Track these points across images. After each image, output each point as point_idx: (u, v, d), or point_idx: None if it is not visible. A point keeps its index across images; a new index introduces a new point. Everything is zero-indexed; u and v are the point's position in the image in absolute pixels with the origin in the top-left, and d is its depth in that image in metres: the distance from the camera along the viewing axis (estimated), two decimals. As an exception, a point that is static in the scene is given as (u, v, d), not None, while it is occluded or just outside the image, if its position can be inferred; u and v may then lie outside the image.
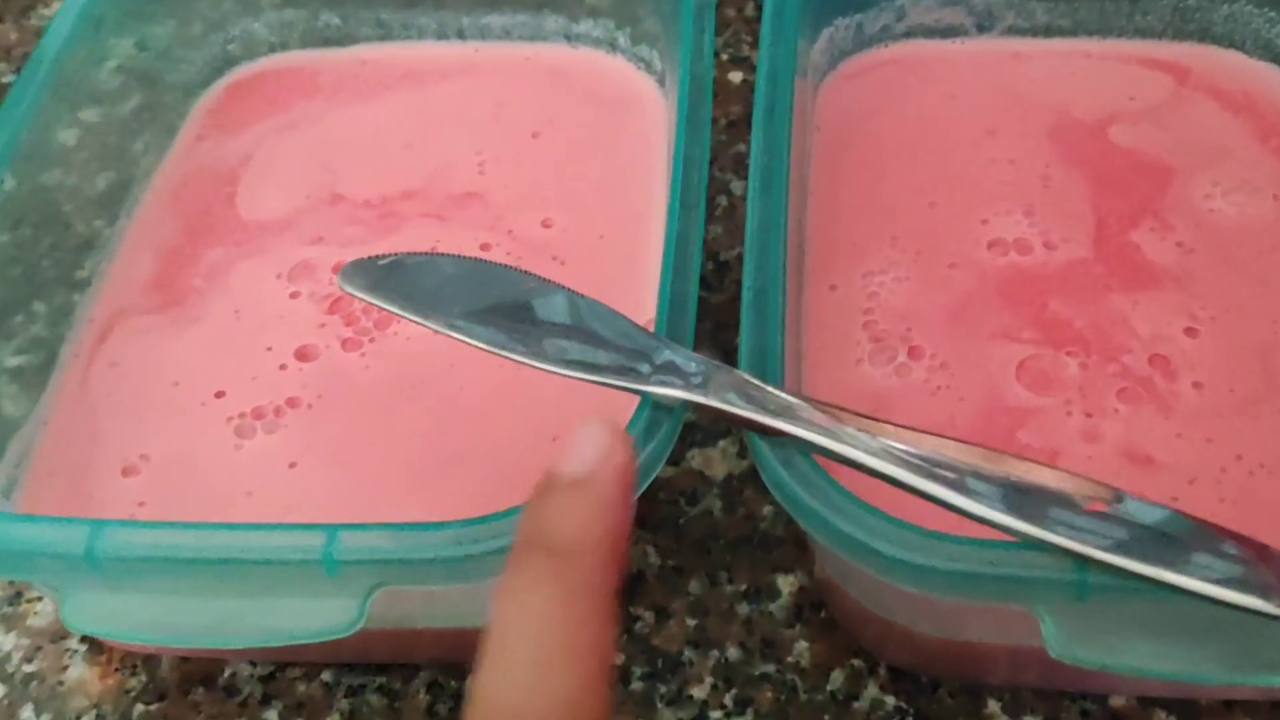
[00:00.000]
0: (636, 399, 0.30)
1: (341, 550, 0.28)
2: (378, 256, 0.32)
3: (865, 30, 0.44)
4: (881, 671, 0.35)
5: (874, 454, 0.27)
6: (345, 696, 0.36)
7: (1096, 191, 0.40)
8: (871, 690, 0.35)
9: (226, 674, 0.37)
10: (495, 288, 0.32)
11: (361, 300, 0.31)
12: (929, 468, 0.26)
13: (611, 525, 0.23)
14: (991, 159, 0.41)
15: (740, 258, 0.33)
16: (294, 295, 0.39)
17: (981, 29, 0.45)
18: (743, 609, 0.37)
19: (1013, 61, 0.44)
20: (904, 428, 0.27)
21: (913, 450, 0.27)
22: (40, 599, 0.39)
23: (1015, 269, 0.38)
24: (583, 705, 0.21)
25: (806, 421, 0.28)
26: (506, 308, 0.31)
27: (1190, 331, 0.36)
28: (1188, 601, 0.25)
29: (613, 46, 0.46)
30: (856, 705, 0.35)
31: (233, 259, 0.40)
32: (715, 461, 0.40)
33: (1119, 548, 0.25)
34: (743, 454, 0.40)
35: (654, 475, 0.30)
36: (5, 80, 0.55)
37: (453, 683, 0.36)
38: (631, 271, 0.39)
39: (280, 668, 0.37)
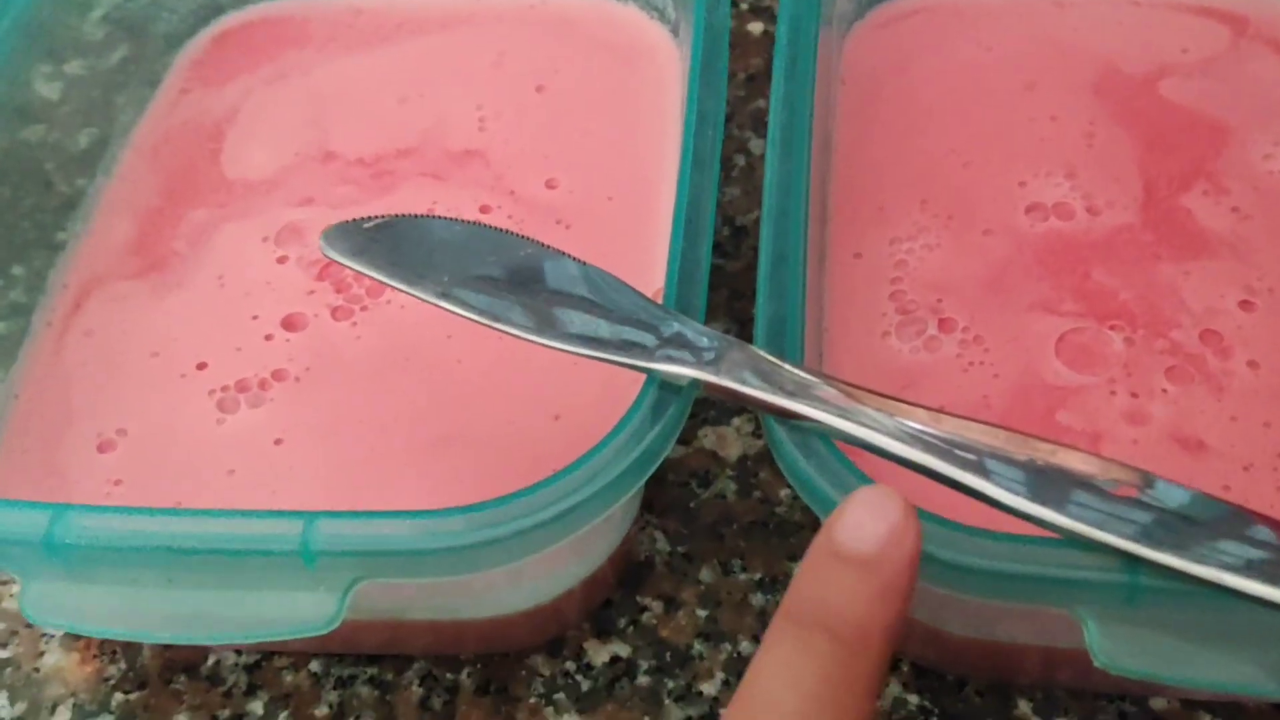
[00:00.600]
0: (643, 375, 0.28)
1: (320, 540, 0.26)
2: (364, 219, 0.30)
3: (895, -24, 0.42)
4: (904, 668, 0.33)
5: (892, 436, 0.25)
6: (334, 688, 0.34)
7: (1144, 151, 0.37)
8: (893, 688, 0.33)
9: (210, 662, 0.35)
10: (491, 254, 0.30)
11: (345, 267, 0.29)
12: (949, 450, 0.25)
13: (896, 616, 0.22)
14: (1030, 116, 0.38)
15: (758, 222, 0.31)
16: (281, 260, 0.37)
17: (1021, -26, 0.42)
18: (757, 599, 0.35)
19: (1054, 10, 0.41)
20: (926, 409, 0.26)
21: (933, 432, 0.25)
22: (15, 582, 0.37)
23: (1055, 235, 0.35)
24: None
25: (823, 402, 0.26)
26: (503, 276, 0.29)
27: (1246, 305, 0.34)
28: (1236, 601, 0.23)
29: (623, -8, 0.43)
30: (877, 705, 0.33)
31: (216, 221, 0.38)
32: (729, 441, 0.38)
33: (1146, 535, 0.23)
34: (758, 433, 0.38)
35: (661, 459, 0.28)
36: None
37: (447, 675, 0.34)
38: (641, 237, 0.36)
39: (266, 657, 0.35)
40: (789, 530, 0.36)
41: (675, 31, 0.41)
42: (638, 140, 0.39)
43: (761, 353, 0.27)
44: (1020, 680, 0.33)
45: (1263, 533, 0.23)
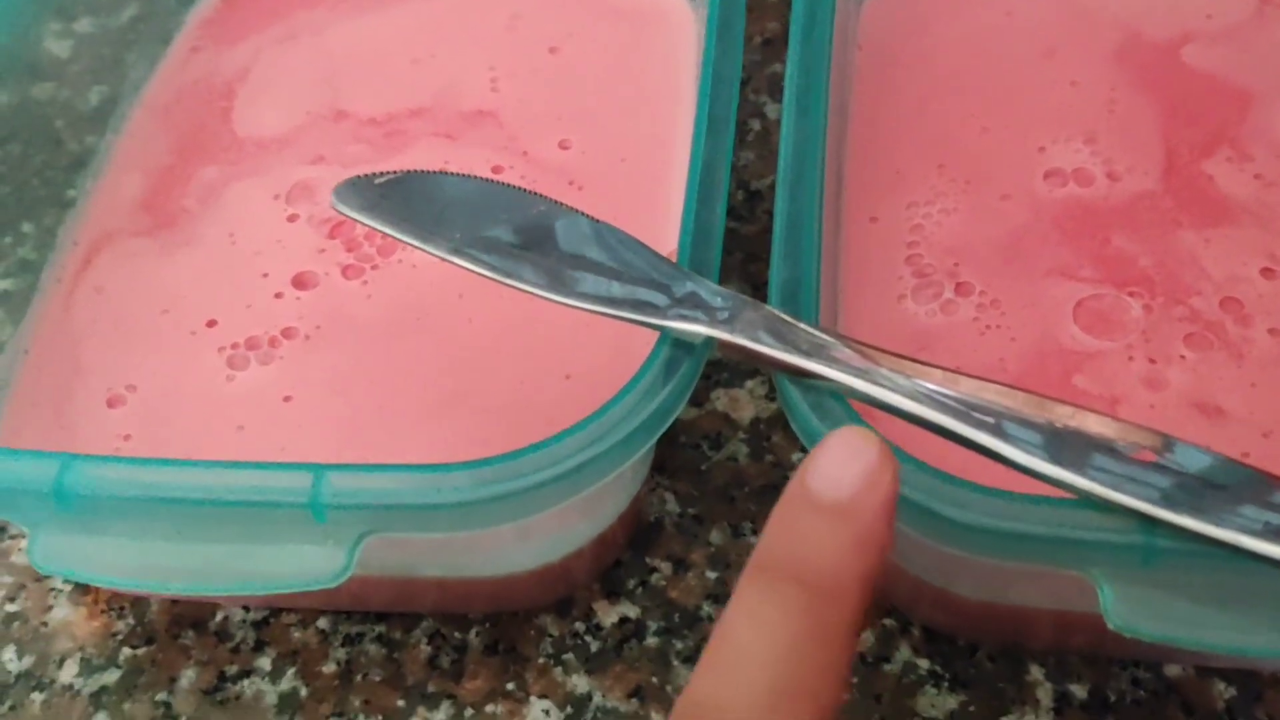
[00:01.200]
0: (658, 335, 0.28)
1: (330, 493, 0.26)
2: (376, 174, 0.30)
3: (915, -62, 0.41)
4: (915, 632, 0.33)
5: (912, 397, 0.25)
6: (342, 645, 0.34)
7: (1166, 117, 0.37)
8: (904, 652, 0.33)
9: (218, 618, 0.35)
10: (504, 210, 0.29)
11: (356, 222, 0.29)
12: (966, 411, 0.24)
13: (871, 565, 0.21)
14: (1050, 81, 0.38)
15: (773, 187, 0.31)
16: (292, 218, 0.37)
17: (1043, -63, 0.41)
18: (767, 563, 0.34)
19: (1076, -26, 0.41)
20: (943, 369, 0.25)
21: (949, 393, 0.25)
22: (24, 536, 0.37)
23: (1074, 201, 0.35)
24: None
25: (839, 362, 0.26)
26: (516, 233, 0.29)
27: (1267, 273, 0.33)
28: (1253, 563, 0.22)
29: (640, -47, 0.42)
30: (887, 668, 0.32)
31: (227, 178, 0.38)
32: (741, 403, 0.37)
33: (1165, 499, 0.23)
34: (771, 396, 0.37)
35: (673, 418, 0.28)
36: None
37: (455, 634, 0.34)
38: (654, 198, 0.36)
39: (274, 613, 0.35)
40: (800, 495, 0.35)
41: (691, -7, 0.41)
42: (651, 102, 0.39)
43: (776, 311, 0.27)
44: (1033, 645, 0.33)
45: None
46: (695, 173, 0.31)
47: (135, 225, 0.37)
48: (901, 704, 0.32)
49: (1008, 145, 0.37)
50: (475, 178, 0.30)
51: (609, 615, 0.34)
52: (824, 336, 0.26)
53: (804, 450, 0.36)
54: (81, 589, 0.36)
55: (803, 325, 0.27)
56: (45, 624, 0.35)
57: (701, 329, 0.27)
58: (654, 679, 0.33)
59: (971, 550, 0.25)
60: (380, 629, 0.34)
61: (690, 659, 0.33)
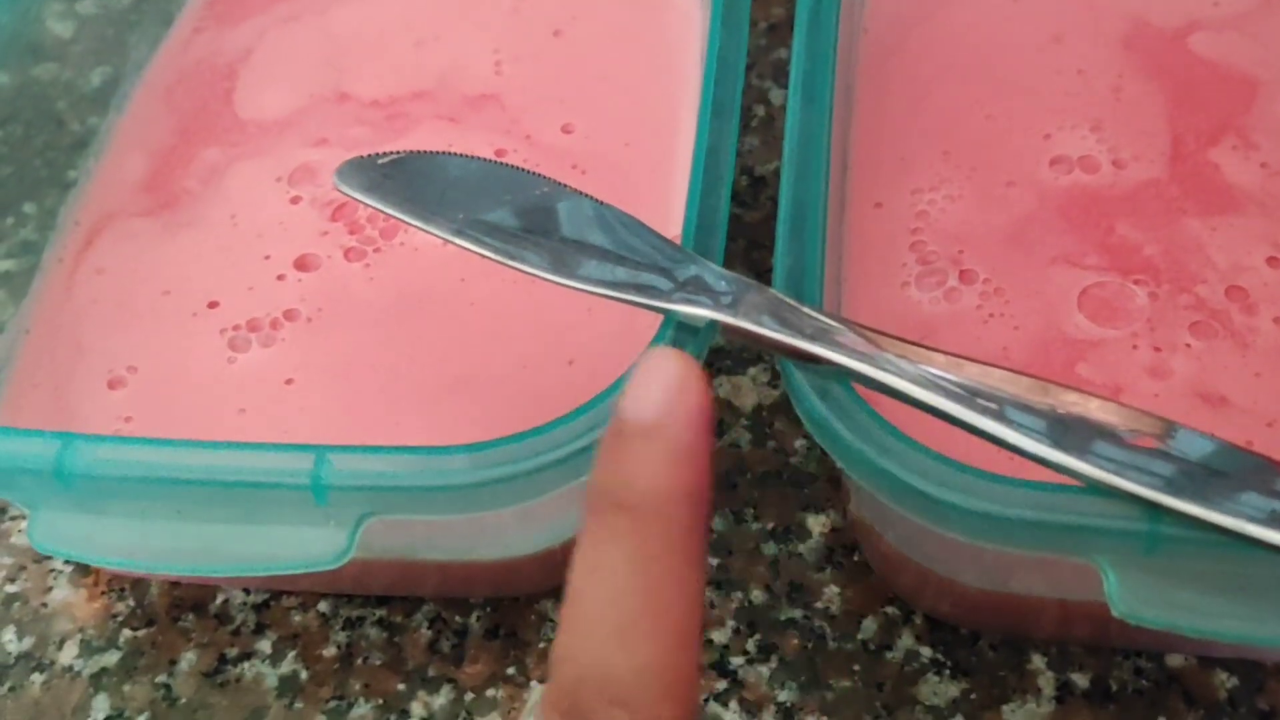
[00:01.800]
0: (660, 318, 0.27)
1: (331, 474, 0.26)
2: (379, 154, 0.30)
3: (921, -78, 0.41)
4: (917, 620, 0.33)
5: (916, 382, 0.25)
6: (343, 628, 0.34)
7: (1173, 105, 0.36)
8: (906, 640, 0.33)
9: (219, 600, 0.35)
10: (507, 192, 0.29)
11: (359, 202, 0.29)
12: (969, 396, 0.24)
13: (691, 475, 0.20)
14: (1057, 68, 0.38)
15: (777, 172, 0.31)
16: (294, 200, 0.36)
17: (1050, -77, 0.41)
18: (769, 549, 0.34)
19: (1084, -38, 0.40)
20: (947, 354, 0.25)
21: (953, 378, 0.25)
22: (24, 517, 0.37)
23: (1080, 189, 0.35)
24: (670, 667, 0.19)
25: (843, 346, 0.25)
26: (519, 214, 0.29)
27: (1273, 262, 0.33)
28: (1256, 550, 0.22)
29: (645, -64, 0.42)
30: (889, 656, 0.32)
31: (229, 160, 0.38)
32: (744, 390, 0.37)
33: (1168, 485, 0.23)
34: (774, 383, 0.37)
35: (675, 403, 0.27)
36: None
37: (456, 618, 0.34)
38: (658, 184, 0.36)
39: (275, 596, 0.35)
40: (803, 481, 0.35)
41: (696, -23, 0.41)
42: (656, 86, 0.38)
43: (780, 295, 0.27)
44: (1035, 635, 0.33)
45: None
46: (699, 158, 0.31)
47: (137, 206, 0.37)
48: (903, 692, 0.32)
49: (1013, 132, 0.36)
50: (478, 159, 0.30)
51: (610, 600, 0.34)
52: (828, 320, 0.26)
53: (806, 437, 0.36)
54: (82, 570, 0.36)
55: (807, 309, 0.26)
56: (45, 605, 0.35)
57: (705, 312, 0.27)
58: (654, 664, 0.33)
59: (975, 537, 0.25)
60: (381, 613, 0.34)
61: (691, 645, 0.33)
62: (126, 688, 0.33)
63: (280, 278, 0.35)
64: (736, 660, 0.33)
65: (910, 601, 0.33)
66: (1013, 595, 0.31)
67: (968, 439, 0.24)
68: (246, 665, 0.33)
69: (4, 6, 0.37)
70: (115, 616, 0.35)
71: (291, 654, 0.33)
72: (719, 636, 0.33)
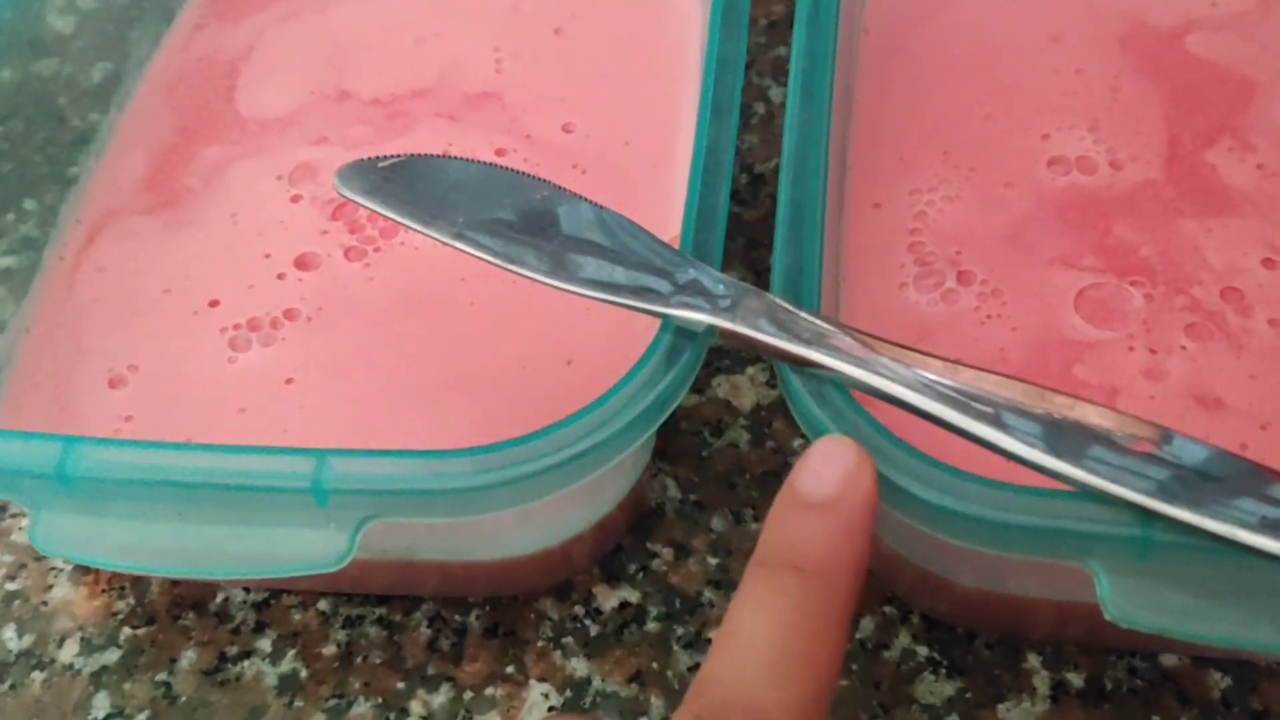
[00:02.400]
0: (659, 321, 0.28)
1: (332, 477, 0.26)
2: (379, 157, 0.30)
3: (921, -77, 0.41)
4: (914, 620, 0.33)
5: (911, 388, 0.25)
6: (342, 627, 0.34)
7: (1170, 106, 0.36)
8: (903, 639, 0.33)
9: (219, 599, 0.35)
10: (507, 195, 0.29)
11: (360, 205, 0.29)
12: (965, 402, 0.25)
13: (857, 551, 0.23)
14: (1055, 69, 0.38)
15: (777, 171, 0.31)
16: (295, 199, 0.36)
17: (1049, -76, 0.41)
18: (767, 549, 0.34)
19: (1083, -38, 0.40)
20: (942, 359, 0.25)
21: (949, 383, 0.25)
22: (25, 515, 0.37)
23: (1077, 190, 0.35)
24: (811, 711, 0.22)
25: (839, 351, 0.26)
26: (518, 218, 0.29)
27: (1268, 263, 0.33)
28: (1248, 557, 0.22)
29: (645, -64, 0.42)
30: (887, 655, 0.33)
31: (230, 158, 0.38)
32: (743, 390, 0.37)
33: (1161, 490, 0.23)
34: (772, 383, 0.37)
35: (674, 407, 0.28)
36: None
37: (456, 617, 0.34)
38: (657, 183, 0.36)
39: (275, 595, 0.35)
40: (800, 481, 0.36)
41: (696, -25, 0.41)
42: (656, 85, 0.39)
43: (778, 300, 0.27)
44: (1031, 634, 0.33)
45: None
46: (699, 157, 0.31)
47: (138, 204, 0.37)
48: (900, 690, 0.32)
49: (1012, 133, 0.36)
50: (478, 162, 0.30)
51: (609, 600, 0.34)
52: (825, 325, 0.26)
53: (804, 437, 0.36)
54: (82, 569, 0.36)
55: (804, 314, 0.26)
56: (45, 603, 0.35)
57: (703, 317, 0.27)
58: (654, 664, 0.33)
59: (971, 541, 0.25)
60: (381, 611, 0.34)
61: (691, 644, 0.33)
62: (127, 686, 0.33)
63: (281, 277, 0.35)
64: (734, 659, 0.33)
65: (908, 601, 0.34)
66: (1009, 596, 0.31)
67: (962, 444, 0.25)
68: (246, 664, 0.34)
69: (6, 2, 0.37)
70: (115, 615, 0.35)
71: (291, 652, 0.34)
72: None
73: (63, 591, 0.35)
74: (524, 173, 0.30)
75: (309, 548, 0.27)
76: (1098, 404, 0.25)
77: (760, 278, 0.39)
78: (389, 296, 0.34)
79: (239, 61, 0.40)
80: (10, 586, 0.35)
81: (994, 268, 0.34)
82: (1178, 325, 0.32)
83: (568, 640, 0.33)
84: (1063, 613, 0.31)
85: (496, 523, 0.30)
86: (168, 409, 0.33)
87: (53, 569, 0.36)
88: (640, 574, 0.34)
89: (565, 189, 0.29)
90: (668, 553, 0.35)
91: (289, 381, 0.33)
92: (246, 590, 0.35)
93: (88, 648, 0.34)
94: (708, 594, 0.34)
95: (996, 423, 0.24)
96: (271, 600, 0.35)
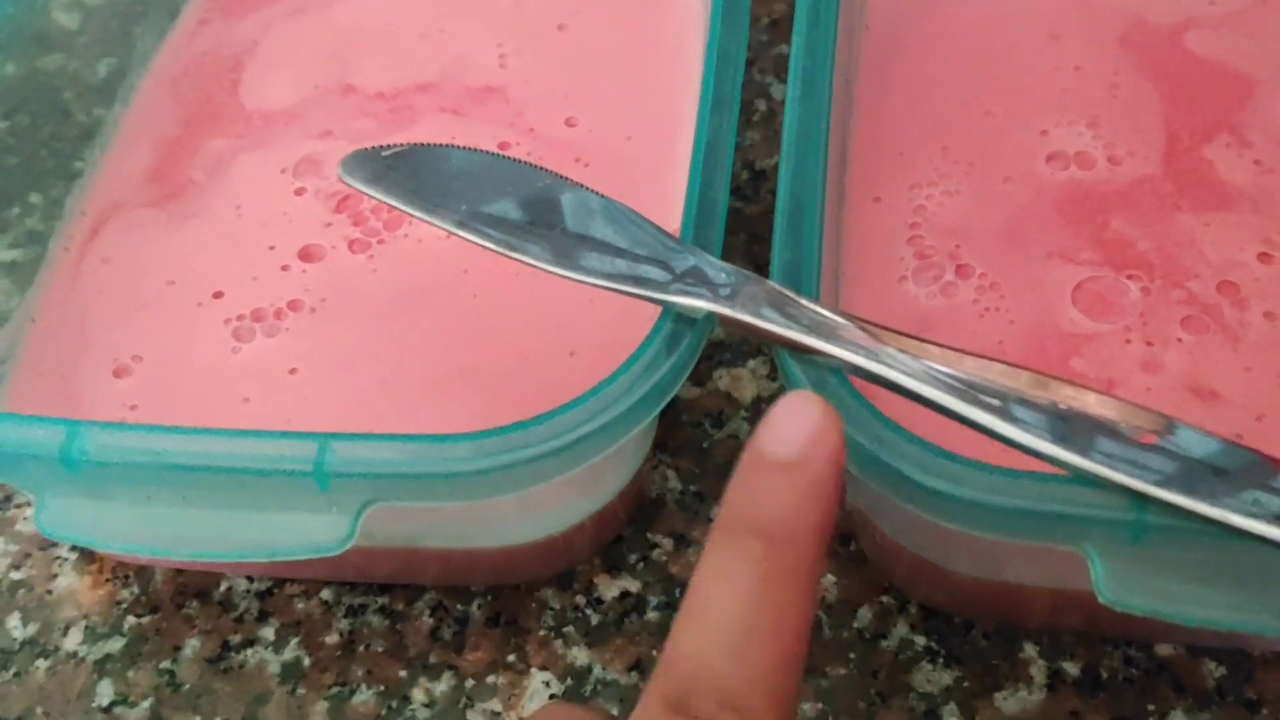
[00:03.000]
0: (660, 310, 0.28)
1: (334, 462, 0.27)
2: (383, 146, 0.30)
3: (922, -80, 0.41)
4: (912, 610, 0.33)
5: (915, 376, 0.25)
6: (345, 616, 0.34)
7: (1169, 103, 0.37)
8: (901, 629, 0.33)
9: (222, 588, 0.35)
10: (509, 185, 0.30)
11: (363, 193, 0.29)
12: (972, 392, 0.25)
13: (823, 512, 0.22)
14: (1055, 65, 0.38)
15: (778, 167, 0.31)
16: (299, 191, 0.37)
17: (1049, -79, 0.41)
18: (766, 539, 0.35)
19: (1082, -40, 0.41)
20: (947, 348, 0.25)
21: (955, 373, 0.25)
22: (30, 504, 0.37)
23: (1075, 184, 0.35)
24: (777, 684, 0.21)
25: (844, 340, 0.26)
26: (521, 207, 0.29)
27: (1264, 258, 0.33)
28: (1246, 543, 0.23)
29: (647, -68, 0.42)
30: (884, 644, 0.33)
31: (235, 151, 0.38)
32: (744, 382, 0.38)
33: (1165, 481, 0.23)
34: (773, 375, 0.38)
35: (673, 394, 0.28)
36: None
37: (458, 606, 0.34)
38: (659, 177, 0.36)
39: (278, 584, 0.35)
40: (799, 472, 0.36)
41: (698, -28, 0.41)
42: (658, 81, 0.39)
43: (778, 287, 0.27)
44: (1027, 623, 0.33)
45: None
46: (699, 151, 0.31)
47: (143, 197, 0.37)
48: (897, 679, 0.32)
49: (1011, 128, 0.37)
50: (482, 151, 0.30)
51: (610, 589, 0.34)
52: (827, 313, 0.26)
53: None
54: (86, 558, 0.36)
55: (805, 301, 0.27)
56: (50, 592, 0.35)
57: (703, 304, 0.27)
58: (654, 652, 0.33)
59: (967, 525, 0.26)
60: (383, 600, 0.34)
61: (688, 633, 0.33)
62: (130, 674, 0.34)
63: (285, 268, 0.35)
64: (733, 648, 0.33)
65: (905, 591, 0.34)
66: (1005, 584, 0.31)
67: (958, 429, 0.25)
68: (250, 652, 0.34)
69: (11, -1, 0.38)
70: (119, 603, 0.35)
71: (294, 641, 0.34)
72: (716, 625, 0.33)
73: (67, 580, 0.35)
74: (526, 162, 0.30)
75: (311, 532, 0.27)
76: (1102, 393, 0.25)
77: (761, 272, 0.39)
78: (393, 288, 0.35)
79: (243, 56, 0.41)
80: (15, 575, 0.36)
81: (992, 261, 0.34)
82: (1174, 318, 0.32)
83: (569, 629, 0.34)
84: (1059, 601, 0.31)
85: (498, 510, 0.30)
86: (172, 398, 0.33)
87: (57, 558, 0.36)
88: (641, 564, 0.35)
89: (568, 178, 0.30)
90: (668, 543, 0.35)
91: (292, 372, 0.33)
92: (250, 579, 0.35)
93: (92, 636, 0.34)
94: (707, 584, 0.34)
95: (1003, 413, 0.24)
96: (275, 589, 0.35)
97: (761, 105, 0.44)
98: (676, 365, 0.27)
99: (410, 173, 0.29)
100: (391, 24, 0.41)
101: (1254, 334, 0.32)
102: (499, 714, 0.32)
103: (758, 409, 0.37)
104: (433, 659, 0.33)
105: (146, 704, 0.33)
